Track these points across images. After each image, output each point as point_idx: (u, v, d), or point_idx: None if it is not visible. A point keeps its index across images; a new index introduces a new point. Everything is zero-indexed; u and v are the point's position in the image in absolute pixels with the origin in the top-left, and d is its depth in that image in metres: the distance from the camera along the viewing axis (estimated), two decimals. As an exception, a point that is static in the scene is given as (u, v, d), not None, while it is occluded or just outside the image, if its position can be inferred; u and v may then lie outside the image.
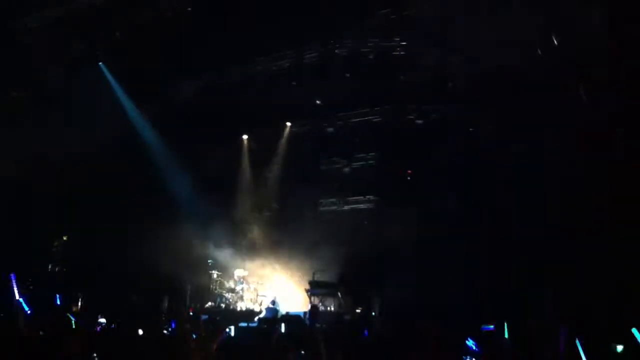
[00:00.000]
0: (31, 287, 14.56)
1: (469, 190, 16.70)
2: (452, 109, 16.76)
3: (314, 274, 18.65)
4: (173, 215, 18.35)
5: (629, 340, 6.89)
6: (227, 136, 20.16)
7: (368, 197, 20.10)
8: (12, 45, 14.46)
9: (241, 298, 19.05)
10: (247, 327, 14.71)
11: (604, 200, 12.59)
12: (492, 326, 10.43)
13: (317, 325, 14.78)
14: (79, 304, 16.00)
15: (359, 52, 15.40)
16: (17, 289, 9.81)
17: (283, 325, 12.42)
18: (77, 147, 15.93)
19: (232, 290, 19.08)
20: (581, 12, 12.06)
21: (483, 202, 16.11)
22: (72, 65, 15.27)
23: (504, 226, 15.08)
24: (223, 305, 18.67)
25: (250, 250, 20.11)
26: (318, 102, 18.22)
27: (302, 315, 16.25)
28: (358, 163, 19.87)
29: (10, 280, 9.76)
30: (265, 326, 14.34)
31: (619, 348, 7.41)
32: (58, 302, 12.32)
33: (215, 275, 19.24)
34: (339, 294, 18.69)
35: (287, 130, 19.94)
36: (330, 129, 18.98)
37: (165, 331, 8.88)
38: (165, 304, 16.30)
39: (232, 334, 11.38)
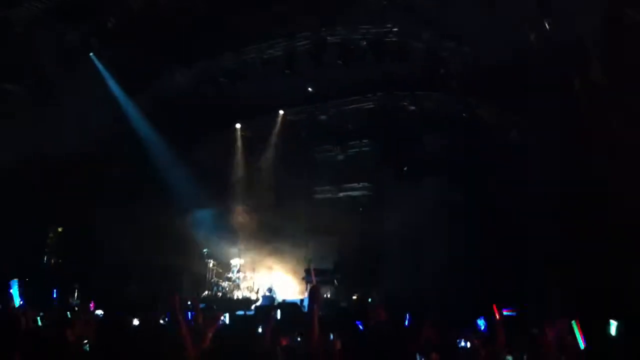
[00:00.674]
0: (27, 280, 14.57)
1: (464, 176, 16.73)
2: (445, 95, 16.73)
3: (309, 261, 18.72)
4: (168, 205, 18.33)
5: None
6: (220, 125, 20.11)
7: (363, 184, 20.15)
8: (1, 37, 14.34)
9: (238, 286, 19.12)
10: (244, 315, 14.77)
11: (604, 191, 12.62)
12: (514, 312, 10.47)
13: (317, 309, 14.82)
14: (75, 295, 16.05)
15: (351, 39, 15.33)
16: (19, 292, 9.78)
17: (279, 312, 12.47)
18: (70, 139, 15.86)
19: (229, 279, 19.14)
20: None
21: (479, 188, 16.15)
22: (64, 56, 15.15)
23: (501, 212, 15.11)
24: (220, 294, 18.75)
25: (246, 238, 20.13)
26: (310, 89, 18.17)
27: (298, 303, 16.34)
28: (352, 150, 19.88)
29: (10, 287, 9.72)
30: (261, 313, 14.43)
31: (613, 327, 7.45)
32: (54, 295, 12.33)
33: (211, 264, 19.28)
34: (335, 281, 18.78)
35: (281, 118, 19.89)
36: (324, 117, 18.93)
37: (162, 321, 8.91)
38: (162, 294, 16.35)
39: (227, 322, 11.41)
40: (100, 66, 16.29)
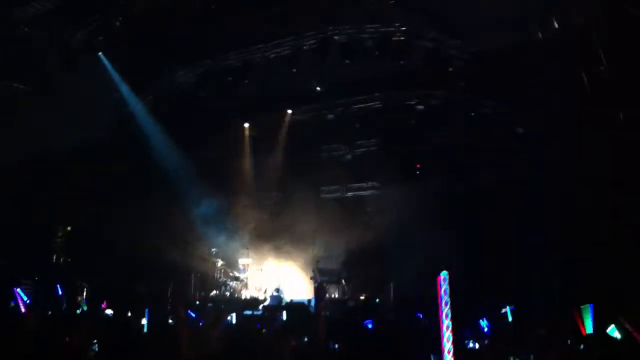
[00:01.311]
0: (36, 279, 14.64)
1: (471, 174, 16.68)
2: (453, 93, 16.67)
3: (317, 261, 18.71)
4: (175, 204, 18.36)
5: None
6: (228, 124, 20.12)
7: (370, 183, 20.11)
8: (9, 36, 14.40)
9: (245, 286, 19.13)
10: (251, 314, 14.76)
11: (607, 186, 12.56)
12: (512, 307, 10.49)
13: (322, 305, 14.86)
14: (84, 294, 16.08)
15: (358, 38, 15.29)
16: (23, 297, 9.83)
17: (285, 312, 12.46)
18: (76, 138, 15.92)
19: (237, 279, 19.15)
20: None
21: (486, 185, 16.10)
22: (71, 55, 15.20)
23: (507, 210, 15.07)
24: (227, 294, 18.75)
25: (254, 238, 20.13)
26: (318, 88, 18.14)
27: (305, 303, 16.31)
28: (360, 149, 19.84)
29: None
30: (268, 314, 14.41)
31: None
32: (60, 293, 12.36)
33: (219, 264, 19.31)
34: (343, 281, 18.76)
35: (288, 117, 19.87)
36: (331, 116, 18.89)
37: (170, 320, 8.92)
38: (170, 293, 16.37)
39: (234, 321, 11.41)
40: (107, 65, 16.33)
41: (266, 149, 20.47)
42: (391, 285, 16.82)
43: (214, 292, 18.74)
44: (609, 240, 12.01)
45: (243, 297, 18.72)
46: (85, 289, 16.45)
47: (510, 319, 10.95)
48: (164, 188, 18.32)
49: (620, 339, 6.52)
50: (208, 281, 19.01)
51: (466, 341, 8.34)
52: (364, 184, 20.29)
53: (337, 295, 18.75)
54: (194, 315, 9.32)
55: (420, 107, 17.33)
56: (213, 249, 19.34)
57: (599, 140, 12.44)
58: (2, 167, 15.75)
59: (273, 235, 19.96)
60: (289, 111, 19.78)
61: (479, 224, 15.49)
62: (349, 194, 20.62)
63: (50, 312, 8.02)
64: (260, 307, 17.10)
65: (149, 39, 15.28)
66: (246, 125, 20.74)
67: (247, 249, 19.81)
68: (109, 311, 11.68)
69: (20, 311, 7.94)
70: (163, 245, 16.91)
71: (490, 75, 14.55)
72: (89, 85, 15.63)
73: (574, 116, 13.24)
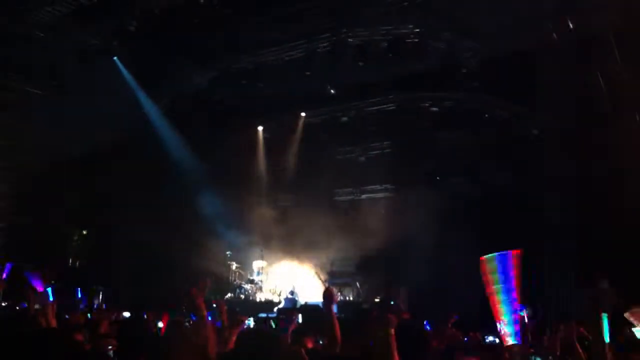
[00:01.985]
0: (52, 282, 14.73)
1: (485, 174, 16.59)
2: (467, 95, 16.60)
3: (331, 263, 18.67)
4: (190, 207, 18.43)
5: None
6: (242, 127, 20.18)
7: (384, 185, 20.06)
8: (25, 40, 14.55)
9: (260, 289, 19.14)
10: (266, 317, 14.75)
11: (622, 185, 12.44)
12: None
13: (334, 310, 14.77)
14: (100, 297, 16.19)
15: (372, 40, 15.28)
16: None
17: (300, 315, 12.42)
18: (91, 141, 16.04)
19: (251, 281, 19.17)
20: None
21: (500, 186, 16.00)
22: (86, 59, 15.33)
23: (523, 211, 14.96)
24: (242, 297, 18.78)
25: (268, 241, 20.15)
26: (332, 91, 18.14)
27: (320, 305, 16.26)
28: (373, 151, 19.79)
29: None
30: (283, 316, 14.38)
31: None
32: (79, 296, 12.44)
33: (234, 267, 19.34)
34: (357, 283, 18.71)
35: (302, 120, 19.89)
36: (345, 118, 18.88)
37: (187, 323, 8.93)
38: (185, 296, 16.38)
39: (252, 325, 11.41)
40: (122, 68, 16.45)
41: (280, 152, 20.50)
42: (405, 289, 16.74)
43: (229, 294, 18.77)
44: (629, 245, 11.86)
45: (257, 300, 18.74)
46: (101, 292, 16.57)
47: (525, 320, 10.84)
48: (179, 190, 18.40)
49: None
50: (223, 284, 19.05)
51: (485, 336, 8.32)
52: (378, 186, 20.24)
53: (351, 298, 18.71)
54: (210, 317, 9.33)
55: (434, 109, 17.28)
56: (228, 252, 19.39)
57: (616, 141, 12.32)
58: (19, 169, 15.91)
59: (287, 238, 19.95)
60: (303, 114, 19.80)
61: (495, 227, 15.36)
62: (363, 196, 20.58)
63: (67, 316, 8.07)
64: (275, 309, 17.11)
65: (163, 42, 15.37)
66: (260, 128, 20.78)
67: (262, 251, 19.82)
68: (125, 313, 11.73)
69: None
70: (178, 249, 16.97)
71: (504, 76, 14.47)
72: (104, 88, 15.74)
73: (589, 117, 13.13)
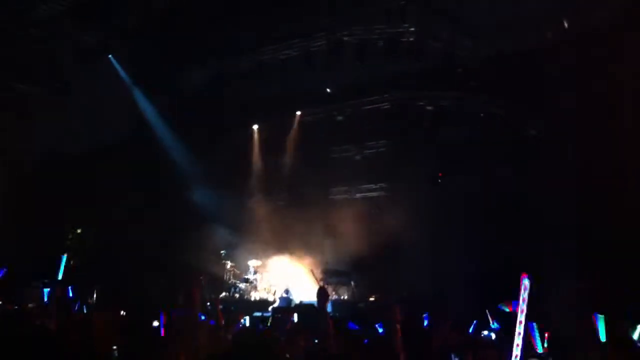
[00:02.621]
0: (46, 281, 14.67)
1: (481, 174, 16.63)
2: (463, 94, 16.63)
3: (326, 262, 18.67)
4: (185, 206, 18.40)
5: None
6: (238, 125, 20.17)
7: (380, 184, 20.06)
8: (21, 39, 14.49)
9: (255, 288, 19.11)
10: (262, 316, 14.75)
11: (624, 185, 12.47)
12: (507, 308, 10.45)
13: (328, 310, 14.78)
14: (94, 296, 16.12)
15: (368, 39, 15.28)
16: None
17: (296, 315, 12.43)
18: (87, 139, 16.00)
19: (246, 280, 19.14)
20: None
21: (496, 186, 16.04)
22: (81, 57, 15.28)
23: (518, 210, 14.98)
24: (237, 295, 18.75)
25: (263, 239, 20.12)
26: (328, 90, 18.14)
27: (315, 304, 16.26)
28: (369, 151, 19.79)
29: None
30: (279, 315, 14.39)
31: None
32: (70, 295, 12.40)
33: (229, 266, 19.31)
34: (352, 282, 18.72)
35: (297, 119, 19.88)
36: (341, 117, 18.88)
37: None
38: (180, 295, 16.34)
39: (247, 324, 11.41)
40: (118, 66, 16.41)
41: (276, 150, 20.48)
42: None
43: (224, 293, 18.75)
44: (632, 245, 11.88)
45: (252, 299, 18.72)
46: (95, 292, 16.50)
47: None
48: (175, 189, 18.37)
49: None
50: (217, 283, 19.02)
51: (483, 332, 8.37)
52: (374, 185, 20.24)
53: (346, 297, 18.72)
54: (203, 317, 9.33)
55: (430, 107, 17.29)
56: (222, 251, 19.36)
57: (616, 140, 12.34)
58: (14, 168, 15.85)
59: (282, 237, 19.94)
60: (299, 112, 19.80)
61: (492, 226, 15.40)
62: (359, 195, 20.57)
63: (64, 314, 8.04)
64: (270, 308, 17.10)
65: (160, 41, 15.35)
66: (256, 126, 20.77)
67: (257, 250, 19.79)
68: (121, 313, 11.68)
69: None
70: (173, 247, 16.94)
71: (502, 76, 14.50)
72: (101, 87, 15.71)
73: (587, 117, 13.15)
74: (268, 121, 20.59)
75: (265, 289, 19.18)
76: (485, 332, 9.14)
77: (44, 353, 3.30)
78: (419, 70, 15.96)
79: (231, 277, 19.25)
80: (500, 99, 16.06)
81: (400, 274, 16.98)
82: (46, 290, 9.93)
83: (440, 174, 17.84)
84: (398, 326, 4.12)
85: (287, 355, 4.82)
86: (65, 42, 15.16)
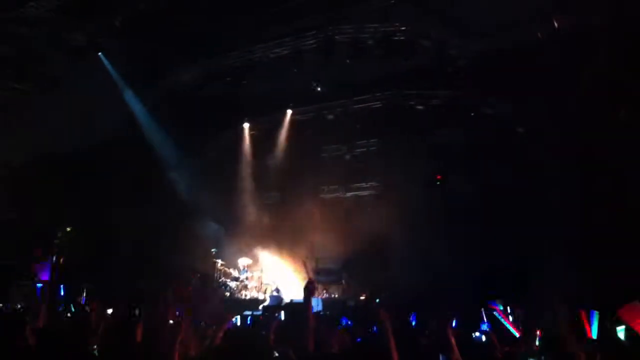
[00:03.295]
0: (35, 279, 14.62)
1: (472, 173, 16.69)
2: (454, 92, 16.68)
3: (317, 261, 18.69)
4: (175, 204, 18.35)
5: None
6: (228, 123, 20.14)
7: (370, 183, 20.09)
8: (10, 36, 14.40)
9: (245, 287, 19.10)
10: (251, 315, 14.76)
11: (616, 182, 12.54)
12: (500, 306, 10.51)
13: (319, 308, 14.85)
14: (84, 294, 16.07)
15: (359, 38, 15.30)
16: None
17: (283, 313, 12.45)
18: (77, 138, 15.92)
19: (236, 279, 19.12)
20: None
21: (487, 184, 16.10)
22: (72, 55, 15.20)
23: (509, 208, 15.04)
24: (227, 294, 18.72)
25: (254, 238, 20.11)
26: (319, 88, 18.15)
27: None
28: (359, 149, 19.82)
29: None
30: (266, 314, 14.41)
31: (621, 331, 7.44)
32: (62, 293, 12.35)
33: (219, 264, 19.28)
34: (343, 281, 18.75)
35: (288, 117, 19.88)
36: (331, 116, 18.90)
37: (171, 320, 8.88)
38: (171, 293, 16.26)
39: (239, 323, 11.40)
40: (107, 64, 16.35)
41: (266, 149, 20.47)
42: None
43: (214, 292, 18.72)
44: (623, 241, 11.96)
45: (243, 298, 18.70)
46: (85, 290, 16.44)
47: (510, 318, 10.93)
48: (165, 187, 18.32)
49: (626, 343, 6.52)
50: (208, 281, 18.98)
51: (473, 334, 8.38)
52: (364, 184, 20.27)
53: (337, 296, 18.75)
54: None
55: (421, 107, 17.35)
56: (213, 250, 19.32)
57: (607, 139, 12.41)
58: (3, 166, 15.76)
59: (273, 235, 19.95)
60: (289, 111, 19.79)
61: (480, 222, 15.47)
62: (349, 194, 20.59)
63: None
64: (260, 307, 17.10)
65: (150, 39, 15.29)
66: (246, 125, 20.74)
67: (247, 249, 19.78)
68: (109, 311, 11.63)
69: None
70: (163, 246, 16.90)
71: (492, 74, 14.54)
72: (91, 85, 15.64)
73: (579, 115, 13.22)
74: (258, 119, 20.57)
75: (255, 287, 19.18)
76: (477, 334, 9.15)
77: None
78: (409, 69, 15.97)
79: (221, 276, 19.22)
80: (491, 98, 16.12)
81: (391, 272, 17.03)
82: (39, 285, 9.90)
83: (438, 177, 17.86)
84: (390, 328, 4.13)
85: (276, 354, 4.81)
86: (55, 41, 15.06)
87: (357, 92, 18.21)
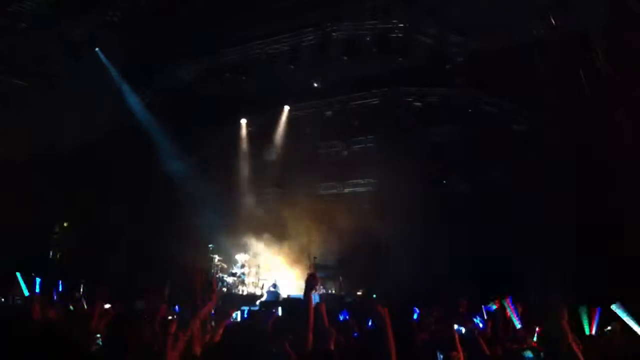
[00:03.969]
0: (32, 275, 14.58)
1: (469, 170, 16.75)
2: (451, 90, 16.71)
3: (314, 258, 18.72)
4: (173, 200, 18.36)
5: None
6: (226, 120, 20.14)
7: (367, 180, 20.13)
8: (7, 32, 14.38)
9: (243, 282, 19.13)
10: (249, 310, 14.81)
11: (608, 181, 12.60)
12: (494, 306, 10.56)
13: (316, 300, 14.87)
14: (81, 290, 16.08)
15: (357, 35, 15.32)
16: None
17: (280, 308, 12.49)
18: (75, 134, 15.91)
19: (234, 275, 19.15)
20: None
21: (483, 182, 16.15)
22: (69, 51, 15.18)
23: (505, 206, 15.10)
24: (225, 290, 18.76)
25: (251, 234, 20.15)
26: (316, 85, 18.18)
27: (302, 298, 16.29)
28: (357, 146, 19.86)
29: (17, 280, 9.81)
30: (263, 309, 14.46)
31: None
32: (60, 289, 12.36)
33: (216, 260, 19.30)
34: (340, 277, 18.80)
35: (286, 113, 19.90)
36: (329, 112, 18.93)
37: (169, 316, 8.91)
38: (167, 290, 16.28)
39: (239, 319, 11.45)
40: (105, 61, 16.33)
41: (264, 145, 20.49)
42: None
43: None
44: (619, 240, 12.01)
45: (240, 293, 18.74)
46: (82, 285, 16.45)
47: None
48: (162, 184, 18.32)
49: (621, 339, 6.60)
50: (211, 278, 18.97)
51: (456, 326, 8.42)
52: (361, 181, 20.31)
53: (334, 291, 18.81)
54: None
55: (418, 104, 17.39)
56: (210, 245, 19.34)
57: (602, 138, 12.46)
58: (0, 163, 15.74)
59: (270, 231, 19.99)
60: (287, 107, 19.81)
61: (477, 219, 15.53)
62: (346, 190, 20.64)
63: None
64: (257, 302, 17.16)
65: (148, 35, 15.29)
66: (244, 121, 20.75)
67: (244, 244, 19.82)
68: (107, 306, 11.65)
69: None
70: (160, 241, 16.91)
71: (489, 73, 14.58)
72: (88, 82, 15.62)
73: (574, 114, 13.27)
74: (256, 116, 20.58)
75: (253, 283, 19.22)
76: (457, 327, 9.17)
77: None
78: (407, 66, 16.01)
79: (219, 272, 19.25)
80: (489, 96, 16.16)
81: (387, 268, 17.09)
82: (38, 280, 9.89)
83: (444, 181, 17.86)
84: (387, 323, 4.16)
85: (274, 350, 4.86)
86: (51, 35, 15.03)
87: (354, 89, 18.24)
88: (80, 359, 4.08)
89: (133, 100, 17.77)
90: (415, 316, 10.15)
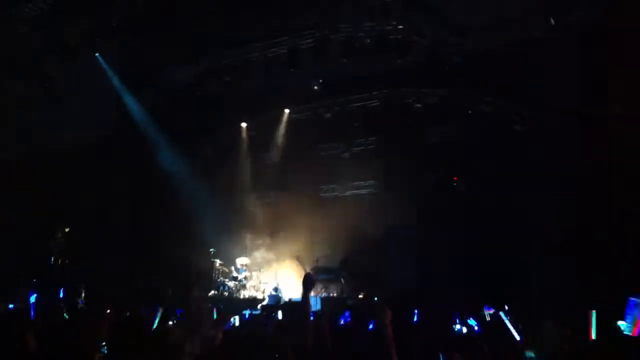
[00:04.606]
0: (34, 280, 14.57)
1: (470, 172, 16.72)
2: (450, 91, 16.70)
3: (316, 260, 18.69)
4: (173, 203, 18.34)
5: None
6: (226, 123, 20.13)
7: (369, 182, 20.09)
8: (7, 36, 14.37)
9: (244, 286, 19.07)
10: (250, 314, 14.76)
11: (606, 182, 12.58)
12: (491, 310, 10.53)
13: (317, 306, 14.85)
14: (82, 295, 16.04)
15: (355, 36, 15.31)
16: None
17: (280, 312, 12.46)
18: (74, 137, 15.91)
19: (235, 279, 19.10)
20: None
21: (484, 182, 16.12)
22: (67, 54, 15.17)
23: (505, 206, 15.07)
24: (226, 294, 18.70)
25: (252, 237, 20.11)
26: (316, 87, 18.17)
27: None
28: (357, 148, 19.83)
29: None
30: (264, 313, 14.42)
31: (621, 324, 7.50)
32: (61, 296, 12.34)
33: (217, 264, 19.25)
34: (342, 279, 18.75)
35: (286, 116, 19.87)
36: (329, 114, 18.92)
37: (170, 322, 8.88)
38: (169, 294, 16.28)
39: (237, 323, 11.40)
40: (104, 64, 16.32)
41: (264, 148, 20.46)
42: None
43: (212, 292, 18.70)
44: (619, 240, 11.98)
45: (241, 297, 18.69)
46: (83, 291, 16.41)
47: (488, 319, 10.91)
48: (162, 187, 18.30)
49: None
50: (206, 281, 18.96)
51: (454, 326, 8.40)
52: (363, 183, 20.26)
53: (335, 294, 18.75)
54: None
55: (418, 105, 17.38)
56: (211, 249, 19.30)
57: (599, 136, 12.44)
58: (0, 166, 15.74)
59: (271, 234, 19.96)
60: (287, 110, 19.79)
61: (479, 221, 15.49)
62: (348, 192, 20.59)
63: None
64: (259, 306, 17.11)
65: (147, 37, 15.28)
66: (244, 124, 20.74)
67: (245, 248, 19.78)
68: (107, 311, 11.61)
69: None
70: (161, 246, 16.89)
71: (489, 73, 14.57)
72: (87, 84, 15.62)
73: (574, 114, 13.25)
74: (256, 119, 20.56)
75: (254, 287, 19.17)
76: (458, 327, 9.18)
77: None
78: (406, 67, 15.99)
79: (220, 276, 19.20)
80: (488, 96, 16.15)
81: (389, 271, 17.05)
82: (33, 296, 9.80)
83: (455, 177, 17.79)
84: (388, 326, 4.13)
85: (276, 355, 4.83)
86: (51, 40, 15.03)
87: (354, 91, 18.22)
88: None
89: (132, 103, 17.76)
90: (415, 318, 10.11)
